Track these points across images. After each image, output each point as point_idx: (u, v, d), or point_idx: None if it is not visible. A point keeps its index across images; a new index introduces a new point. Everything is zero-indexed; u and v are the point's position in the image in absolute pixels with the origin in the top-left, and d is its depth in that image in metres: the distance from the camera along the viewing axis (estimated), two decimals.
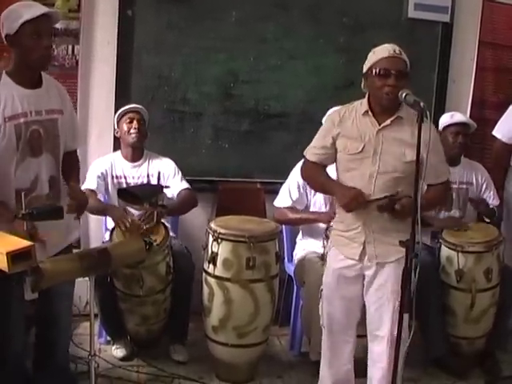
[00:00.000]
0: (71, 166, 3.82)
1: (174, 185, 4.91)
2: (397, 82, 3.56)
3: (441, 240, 4.74)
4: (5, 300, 3.39)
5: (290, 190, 4.82)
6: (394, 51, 3.62)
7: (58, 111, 3.61)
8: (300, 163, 4.73)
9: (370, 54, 3.69)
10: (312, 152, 3.87)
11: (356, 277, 3.79)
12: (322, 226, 4.61)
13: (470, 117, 5.56)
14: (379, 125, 3.68)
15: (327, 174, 3.90)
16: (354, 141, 3.69)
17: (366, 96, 3.75)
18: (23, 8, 3.40)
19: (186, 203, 4.90)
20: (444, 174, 3.86)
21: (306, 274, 4.64)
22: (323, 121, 4.07)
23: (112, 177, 4.89)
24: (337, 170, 3.86)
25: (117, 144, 5.10)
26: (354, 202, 3.63)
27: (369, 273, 3.76)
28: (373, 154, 3.66)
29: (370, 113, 3.70)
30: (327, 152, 3.81)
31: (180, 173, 4.98)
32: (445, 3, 5.65)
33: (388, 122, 3.68)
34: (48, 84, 3.60)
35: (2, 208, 3.30)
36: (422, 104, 3.37)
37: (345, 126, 3.73)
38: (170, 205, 4.75)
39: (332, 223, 4.01)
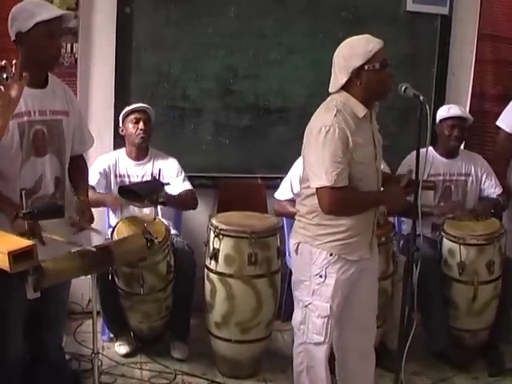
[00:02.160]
0: (79, 172, 3.83)
1: (176, 185, 4.92)
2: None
3: (442, 233, 4.74)
4: (4, 301, 3.38)
5: (292, 183, 4.80)
6: (381, 41, 3.49)
7: (63, 112, 3.60)
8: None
9: (358, 49, 3.44)
10: (341, 178, 3.39)
11: (359, 273, 3.68)
12: None
13: (470, 109, 5.57)
14: (371, 121, 3.60)
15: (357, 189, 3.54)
16: (366, 146, 3.52)
17: (349, 95, 3.49)
18: (37, 7, 3.37)
19: (186, 200, 4.92)
20: None
21: None
22: (323, 136, 3.41)
23: (115, 175, 4.92)
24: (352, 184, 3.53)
25: (117, 142, 5.12)
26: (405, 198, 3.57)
27: (370, 265, 3.72)
28: (374, 149, 3.60)
29: (368, 113, 3.52)
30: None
31: (183, 173, 4.99)
32: None
33: (374, 114, 3.63)
34: (54, 85, 3.58)
35: (7, 205, 3.30)
36: (421, 98, 3.37)
37: (355, 135, 3.44)
38: (170, 195, 4.77)
39: (320, 238, 3.57)
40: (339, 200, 3.44)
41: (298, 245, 3.67)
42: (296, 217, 3.74)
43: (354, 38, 3.51)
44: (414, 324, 3.49)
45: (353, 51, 3.45)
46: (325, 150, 3.39)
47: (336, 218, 3.52)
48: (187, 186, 4.95)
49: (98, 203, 4.62)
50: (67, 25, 3.56)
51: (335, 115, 3.42)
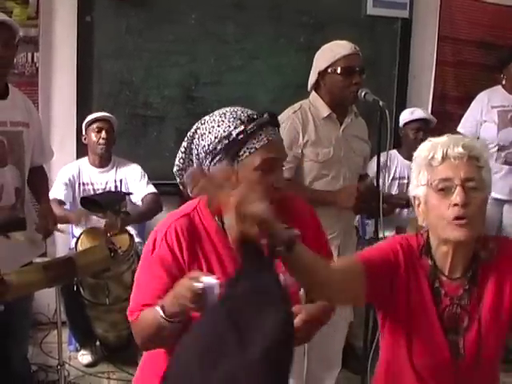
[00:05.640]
0: (40, 181, 3.81)
1: (139, 189, 4.91)
2: (361, 79, 3.57)
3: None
4: None
5: None
6: (355, 48, 3.58)
7: (24, 124, 3.58)
8: None
9: (326, 52, 3.60)
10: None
11: None
12: None
13: (432, 111, 5.62)
14: (341, 124, 3.66)
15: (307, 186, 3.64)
16: (323, 147, 3.59)
17: (317, 96, 3.65)
18: None
19: (150, 209, 4.87)
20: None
21: None
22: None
23: (79, 184, 4.88)
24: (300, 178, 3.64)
25: (80, 151, 5.09)
26: (355, 198, 3.56)
27: None
28: (342, 155, 3.64)
29: (333, 115, 3.62)
30: (296, 164, 3.57)
31: (146, 177, 4.97)
32: None
33: (349, 120, 3.68)
34: (14, 96, 3.57)
35: None
36: (381, 103, 3.40)
37: (309, 133, 3.58)
38: (133, 212, 4.76)
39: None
40: None
41: None
42: None
43: (334, 42, 3.64)
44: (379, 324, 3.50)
45: (322, 54, 3.61)
46: None
47: None
48: (151, 189, 4.94)
49: (63, 220, 4.56)
50: (19, 34, 3.49)
51: (294, 112, 3.61)
